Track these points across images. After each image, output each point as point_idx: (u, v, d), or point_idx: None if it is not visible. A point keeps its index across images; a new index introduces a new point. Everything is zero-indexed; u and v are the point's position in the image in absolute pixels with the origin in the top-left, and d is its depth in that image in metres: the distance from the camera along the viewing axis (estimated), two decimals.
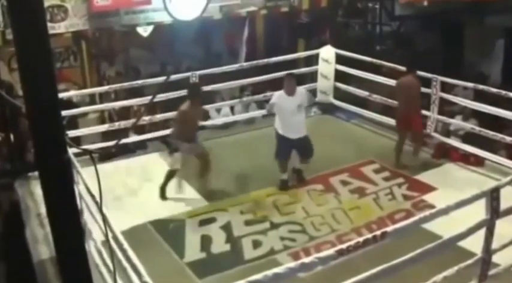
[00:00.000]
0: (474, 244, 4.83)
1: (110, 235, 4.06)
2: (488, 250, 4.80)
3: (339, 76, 9.70)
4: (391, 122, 8.34)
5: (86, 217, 5.30)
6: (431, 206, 6.19)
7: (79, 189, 5.16)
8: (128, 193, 7.21)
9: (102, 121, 9.75)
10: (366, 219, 6.52)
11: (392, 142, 8.12)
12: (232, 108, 10.11)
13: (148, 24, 9.07)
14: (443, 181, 7.25)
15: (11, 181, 7.40)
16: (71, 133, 7.59)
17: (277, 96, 7.24)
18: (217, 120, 9.51)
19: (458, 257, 4.84)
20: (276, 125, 7.26)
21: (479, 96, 8.45)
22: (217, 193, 7.15)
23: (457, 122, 8.58)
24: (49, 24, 6.91)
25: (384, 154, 8.03)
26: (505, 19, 10.78)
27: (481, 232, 4.74)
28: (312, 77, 10.03)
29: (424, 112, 8.03)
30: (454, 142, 8.09)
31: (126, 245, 4.11)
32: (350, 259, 4.11)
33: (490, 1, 10.36)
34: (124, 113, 9.39)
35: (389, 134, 8.63)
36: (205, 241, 6.21)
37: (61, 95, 6.68)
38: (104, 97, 10.22)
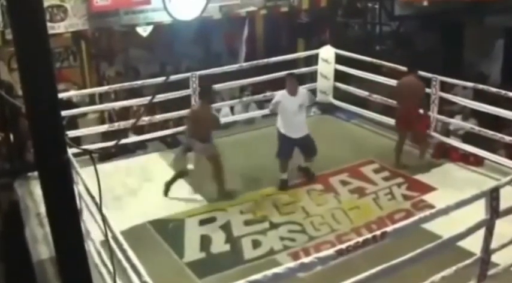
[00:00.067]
0: (474, 244, 4.83)
1: (109, 235, 4.06)
2: (487, 250, 4.80)
3: (339, 76, 9.70)
4: (391, 121, 8.34)
5: (86, 217, 5.30)
6: (431, 206, 6.19)
7: (79, 189, 5.17)
8: (127, 193, 7.21)
9: (101, 121, 9.76)
10: (365, 219, 6.52)
11: (392, 142, 8.12)
12: (232, 108, 10.11)
13: (148, 24, 9.07)
14: (443, 181, 7.25)
15: (10, 181, 7.40)
16: (71, 133, 7.59)
17: (280, 96, 7.26)
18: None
19: (457, 257, 4.84)
20: (278, 125, 7.28)
21: (479, 96, 8.45)
22: (217, 193, 7.14)
23: (456, 122, 8.58)
24: (49, 24, 6.92)
25: (384, 154, 8.03)
26: (504, 19, 10.78)
27: (481, 232, 4.74)
28: (312, 77, 10.03)
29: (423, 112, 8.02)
30: (453, 142, 8.10)
31: (125, 245, 4.11)
32: (350, 259, 4.11)
33: (490, 1, 10.37)
34: (124, 113, 9.39)
35: (389, 133, 8.63)
36: (205, 241, 6.20)
37: (61, 95, 6.68)
38: (103, 97, 10.22)
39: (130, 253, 4.03)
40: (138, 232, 6.19)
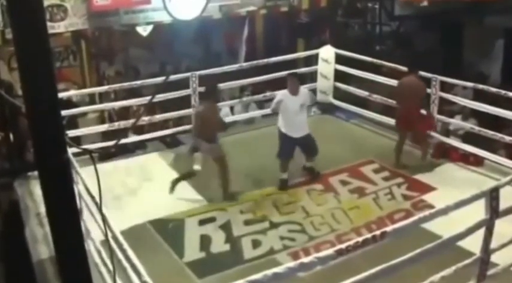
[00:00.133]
0: (473, 244, 4.83)
1: (109, 234, 4.06)
2: (487, 250, 4.80)
3: (339, 76, 9.70)
4: (391, 121, 8.34)
5: (86, 216, 5.30)
6: (431, 206, 6.19)
7: (78, 188, 5.17)
8: (127, 193, 7.21)
9: (101, 121, 9.76)
10: (365, 219, 6.52)
11: (391, 142, 8.12)
12: (232, 108, 10.11)
13: (148, 23, 9.07)
14: (442, 181, 7.25)
15: (10, 181, 7.40)
16: (71, 133, 7.59)
17: (281, 95, 7.28)
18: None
19: (457, 257, 4.84)
20: (279, 124, 7.30)
21: (479, 96, 8.45)
22: (217, 193, 7.14)
23: (456, 122, 8.58)
24: (49, 24, 6.92)
25: (384, 154, 8.03)
26: (504, 19, 10.78)
27: (480, 232, 4.74)
28: (312, 77, 10.03)
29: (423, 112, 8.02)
30: (453, 142, 8.09)
31: (125, 245, 4.11)
32: (349, 259, 4.11)
33: (490, 1, 10.37)
34: (123, 113, 9.39)
35: (389, 133, 8.64)
36: (205, 241, 6.21)
37: (61, 95, 6.68)
38: (103, 97, 10.23)
39: (130, 253, 4.03)
40: (138, 232, 6.19)
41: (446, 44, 12.45)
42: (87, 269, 3.02)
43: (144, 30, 9.81)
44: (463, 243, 4.82)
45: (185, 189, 7.27)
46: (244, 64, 9.85)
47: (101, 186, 3.05)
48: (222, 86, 9.10)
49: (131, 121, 8.49)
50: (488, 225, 4.70)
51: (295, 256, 5.74)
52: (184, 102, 8.73)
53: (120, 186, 7.27)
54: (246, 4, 9.57)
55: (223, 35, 13.20)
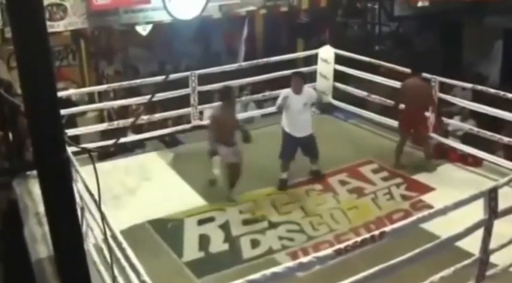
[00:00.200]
0: (472, 244, 4.83)
1: (108, 234, 4.06)
2: (486, 251, 4.80)
3: (338, 76, 9.70)
4: (390, 122, 8.34)
5: (85, 216, 5.30)
6: (430, 206, 6.19)
7: (78, 187, 5.17)
8: (126, 192, 7.20)
9: (101, 120, 9.76)
10: (364, 219, 6.53)
11: (390, 142, 8.12)
12: None
13: (148, 23, 9.06)
14: (441, 181, 7.26)
15: (9, 180, 7.39)
16: (70, 132, 7.57)
17: (285, 94, 7.28)
18: None
19: (456, 257, 4.84)
20: (283, 124, 7.32)
21: (478, 97, 8.46)
22: (216, 193, 7.14)
23: (455, 123, 8.58)
24: (48, 23, 6.88)
25: (383, 154, 8.04)
26: (503, 20, 10.79)
27: (479, 233, 4.74)
28: (311, 77, 10.02)
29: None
30: (452, 142, 8.10)
31: (124, 244, 4.11)
32: (348, 259, 4.11)
33: (489, 2, 10.38)
34: (123, 112, 9.39)
35: (387, 134, 8.65)
36: (204, 241, 6.21)
37: (60, 94, 6.68)
38: (102, 96, 10.23)
39: (129, 252, 4.03)
40: (137, 232, 6.18)
41: (446, 44, 12.46)
42: (86, 268, 3.03)
43: (143, 30, 9.81)
44: (462, 244, 4.82)
45: (184, 189, 7.28)
46: (244, 64, 9.85)
47: (100, 185, 3.05)
48: (221, 85, 9.15)
49: (130, 120, 8.49)
50: (487, 226, 4.70)
51: (294, 256, 5.74)
52: (183, 102, 8.73)
53: (119, 186, 7.26)
54: (246, 4, 9.57)
55: (223, 34, 13.21)
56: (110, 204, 5.68)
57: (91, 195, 4.82)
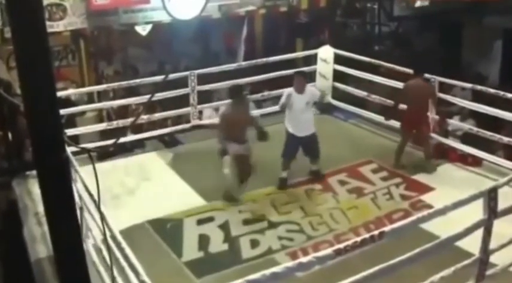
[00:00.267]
0: (472, 244, 4.83)
1: (107, 234, 4.06)
2: (485, 251, 4.80)
3: (338, 76, 9.70)
4: (390, 122, 8.33)
5: (84, 216, 5.30)
6: (429, 206, 6.19)
7: (77, 187, 5.17)
8: (125, 192, 7.20)
9: (100, 120, 9.75)
10: (363, 219, 6.53)
11: (390, 142, 8.12)
12: None
13: (147, 23, 9.06)
14: (441, 181, 7.26)
15: (8, 180, 7.39)
16: (69, 132, 7.58)
17: (288, 93, 7.28)
18: (216, 119, 9.47)
19: (455, 257, 4.84)
20: (286, 124, 7.34)
21: (477, 97, 8.46)
22: (216, 192, 7.14)
23: (455, 123, 8.59)
24: (48, 23, 6.91)
25: (382, 154, 8.04)
26: (503, 20, 10.79)
27: (479, 233, 4.74)
28: (311, 77, 10.02)
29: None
30: (452, 142, 8.10)
31: (124, 244, 4.11)
32: (348, 259, 4.10)
33: (489, 2, 10.38)
34: (122, 112, 9.38)
35: (387, 133, 8.65)
36: (203, 241, 6.20)
37: (59, 94, 6.68)
38: (102, 96, 10.22)
39: (129, 252, 4.03)
40: (137, 232, 6.18)
41: (445, 44, 12.46)
42: (85, 268, 3.03)
43: (143, 30, 9.79)
44: (462, 244, 4.82)
45: (184, 189, 7.28)
46: (243, 63, 9.85)
47: (99, 185, 3.05)
48: (220, 85, 9.16)
49: (130, 120, 8.49)
50: (487, 226, 4.71)
51: (293, 256, 5.74)
52: (183, 101, 8.73)
53: (118, 186, 7.26)
54: (245, 4, 9.57)
55: (222, 34, 13.19)
56: (110, 204, 5.68)
57: (90, 195, 4.82)
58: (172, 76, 8.47)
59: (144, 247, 5.58)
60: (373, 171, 7.71)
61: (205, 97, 9.20)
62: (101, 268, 5.03)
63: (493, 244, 4.83)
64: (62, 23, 8.12)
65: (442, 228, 4.84)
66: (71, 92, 9.49)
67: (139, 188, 7.37)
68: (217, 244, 6.15)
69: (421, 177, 7.46)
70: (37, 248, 5.96)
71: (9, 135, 7.61)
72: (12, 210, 6.83)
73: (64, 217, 2.84)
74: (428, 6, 11.12)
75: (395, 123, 8.18)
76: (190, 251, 6.04)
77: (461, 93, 9.29)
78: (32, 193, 6.93)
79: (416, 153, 7.94)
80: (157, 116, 8.78)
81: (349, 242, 3.98)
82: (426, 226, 4.80)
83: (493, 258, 4.92)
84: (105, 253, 4.79)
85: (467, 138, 8.10)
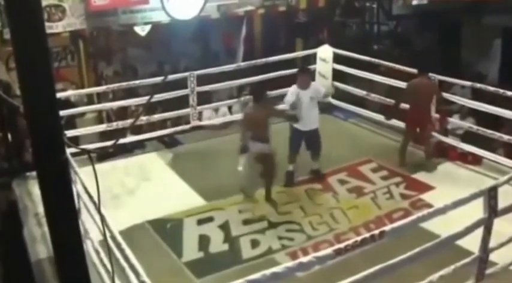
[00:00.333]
0: (472, 243, 4.83)
1: (107, 234, 4.06)
2: (485, 249, 4.80)
3: (337, 75, 9.70)
4: (390, 121, 8.32)
5: (84, 216, 5.30)
6: (429, 205, 6.19)
7: (77, 188, 5.17)
8: (125, 192, 7.20)
9: (99, 121, 9.74)
10: (364, 218, 6.52)
11: (390, 141, 8.13)
12: (230, 107, 10.11)
13: (146, 23, 9.05)
14: (441, 180, 7.26)
15: (8, 181, 7.39)
16: (69, 133, 7.58)
17: (294, 91, 7.30)
18: (215, 120, 9.51)
19: (456, 256, 4.85)
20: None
21: (477, 95, 8.46)
22: (215, 193, 7.14)
23: (455, 121, 8.59)
24: (47, 24, 6.90)
25: (382, 153, 8.04)
26: (502, 19, 10.79)
27: (479, 231, 4.74)
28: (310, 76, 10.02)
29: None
30: (452, 141, 8.10)
31: (124, 244, 4.11)
32: (348, 259, 4.10)
33: (488, 1, 10.38)
34: (122, 113, 9.39)
35: (387, 133, 8.65)
36: (203, 241, 6.20)
37: (59, 95, 6.67)
38: (101, 97, 10.22)
39: (129, 252, 4.02)
40: (137, 232, 6.18)
41: (445, 43, 12.45)
42: (86, 269, 3.03)
43: (142, 30, 9.79)
44: (462, 242, 4.82)
45: (184, 189, 7.28)
46: (242, 64, 9.84)
47: (99, 186, 3.05)
48: (220, 85, 9.18)
49: (129, 121, 8.49)
50: (487, 224, 4.71)
51: (293, 255, 5.74)
52: (182, 102, 8.73)
53: (118, 186, 7.26)
54: (244, 4, 9.57)
55: (222, 34, 13.19)
56: (110, 205, 5.67)
57: (90, 197, 4.82)
58: (171, 77, 8.47)
59: (144, 248, 5.58)
60: (373, 170, 7.71)
61: (204, 98, 9.20)
62: (101, 269, 5.03)
63: (492, 243, 4.83)
64: (61, 24, 8.12)
65: (442, 227, 4.84)
66: (71, 93, 9.49)
67: (139, 188, 7.37)
68: (217, 244, 6.15)
69: (421, 176, 7.46)
70: (37, 249, 5.97)
71: (9, 136, 7.61)
72: (12, 211, 6.83)
73: (64, 218, 2.84)
74: (428, 5, 11.12)
75: (396, 122, 8.18)
76: (191, 251, 6.04)
77: (461, 92, 9.29)
78: (32, 194, 6.94)
79: (417, 152, 7.94)
80: (157, 117, 8.78)
81: (350, 242, 3.98)
82: (426, 225, 4.80)
83: (492, 257, 4.92)
84: (105, 254, 4.79)
85: (467, 137, 8.11)
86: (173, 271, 5.70)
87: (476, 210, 4.70)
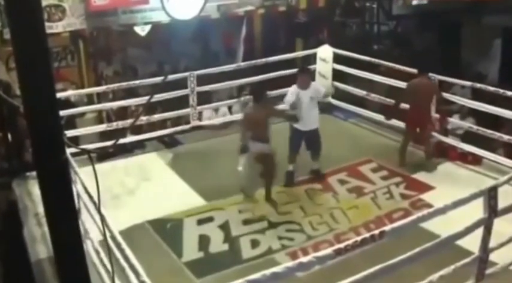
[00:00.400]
0: (472, 243, 4.83)
1: (107, 234, 4.06)
2: (485, 249, 4.80)
3: (337, 75, 9.70)
4: (390, 121, 8.32)
5: (84, 216, 5.30)
6: (429, 205, 6.19)
7: (77, 188, 5.16)
8: (125, 192, 7.20)
9: (99, 121, 9.74)
10: (364, 218, 6.52)
11: (389, 141, 8.12)
12: (230, 107, 10.11)
13: (146, 23, 9.05)
14: (441, 180, 7.26)
15: (8, 181, 7.39)
16: (69, 133, 7.58)
17: (293, 91, 7.30)
18: (215, 120, 9.51)
19: (456, 256, 4.85)
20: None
21: (477, 95, 8.46)
22: (215, 193, 7.14)
23: (455, 121, 8.59)
24: (47, 24, 6.90)
25: (382, 153, 8.04)
26: (502, 19, 10.79)
27: (479, 231, 4.74)
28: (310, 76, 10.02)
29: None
30: (452, 141, 8.10)
31: (124, 244, 4.11)
32: (348, 259, 4.10)
33: (488, 1, 10.38)
34: (122, 113, 9.39)
35: (387, 133, 8.65)
36: (203, 241, 6.20)
37: (59, 95, 6.67)
38: (101, 97, 10.22)
39: (129, 252, 4.02)
40: (137, 232, 6.18)
41: (445, 43, 12.45)
42: (86, 269, 3.03)
43: (142, 30, 9.79)
44: (462, 242, 4.82)
45: (184, 189, 7.27)
46: (242, 64, 9.84)
47: (99, 186, 3.04)
48: (220, 85, 9.18)
49: (129, 121, 8.49)
50: (487, 224, 4.71)
51: (293, 255, 5.74)
52: (182, 102, 8.73)
53: (118, 186, 7.26)
54: (244, 4, 9.57)
55: (222, 34, 13.20)
56: (109, 205, 5.66)
57: (90, 197, 4.82)
58: (171, 77, 8.47)
59: (144, 248, 5.58)
60: (373, 170, 7.71)
61: (204, 98, 9.20)
62: (101, 269, 5.03)
63: (492, 243, 4.83)
64: (61, 24, 8.12)
65: (442, 227, 4.84)
66: (71, 93, 9.49)
67: (139, 188, 7.37)
68: (217, 244, 6.15)
69: (421, 176, 7.46)
70: (37, 249, 5.97)
71: (9, 136, 7.61)
72: (13, 211, 6.83)
73: (64, 218, 2.84)
74: (428, 5, 11.12)
75: (396, 122, 8.18)
76: (191, 251, 6.04)
77: (461, 92, 9.29)
78: (32, 194, 6.94)
79: (417, 152, 7.94)
80: (157, 117, 8.78)
81: (350, 242, 3.98)
82: (426, 225, 4.80)
83: (492, 257, 4.92)
84: (105, 254, 4.79)
85: (467, 137, 8.10)
86: (173, 271, 5.70)
87: (476, 210, 4.70)
